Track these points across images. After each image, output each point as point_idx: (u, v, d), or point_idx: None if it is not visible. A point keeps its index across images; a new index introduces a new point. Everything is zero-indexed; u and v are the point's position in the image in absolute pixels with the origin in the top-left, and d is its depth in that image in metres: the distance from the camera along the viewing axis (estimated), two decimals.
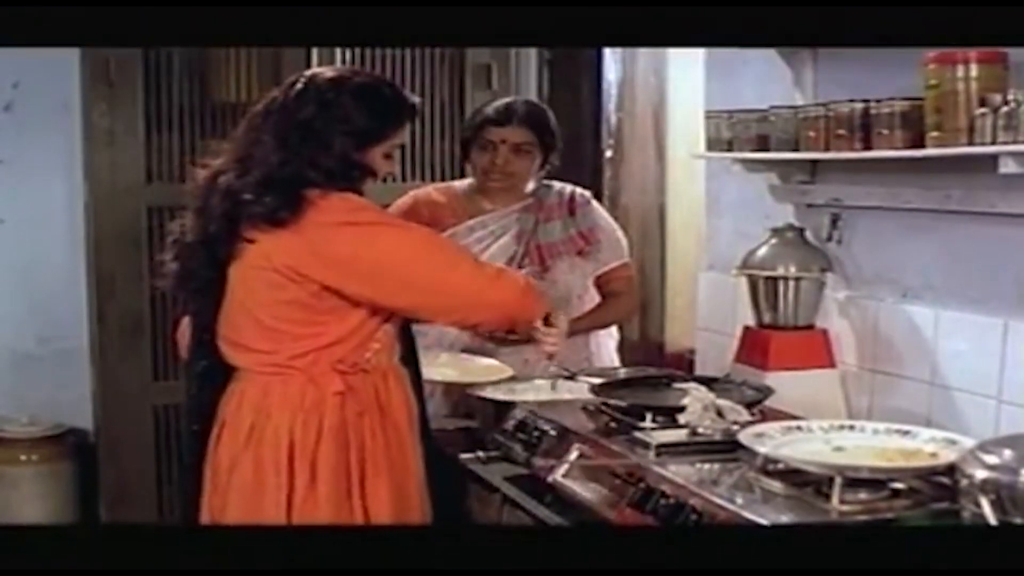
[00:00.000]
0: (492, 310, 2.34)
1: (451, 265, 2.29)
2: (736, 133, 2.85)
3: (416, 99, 2.44)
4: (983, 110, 2.18)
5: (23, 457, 4.08)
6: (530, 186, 3.16)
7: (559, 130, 3.16)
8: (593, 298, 3.17)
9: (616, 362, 3.22)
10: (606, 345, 3.23)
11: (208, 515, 2.35)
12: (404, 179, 2.45)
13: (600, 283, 3.18)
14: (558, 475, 2.32)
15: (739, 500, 1.94)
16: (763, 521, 1.84)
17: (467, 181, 3.23)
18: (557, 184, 3.19)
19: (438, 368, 2.81)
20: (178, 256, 2.34)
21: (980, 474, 1.69)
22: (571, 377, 2.80)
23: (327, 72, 2.37)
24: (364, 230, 2.23)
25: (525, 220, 3.11)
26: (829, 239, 2.83)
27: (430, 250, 2.30)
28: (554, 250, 3.10)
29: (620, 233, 3.24)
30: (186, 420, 2.46)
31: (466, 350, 3.02)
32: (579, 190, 3.21)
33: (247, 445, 2.28)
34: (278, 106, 2.31)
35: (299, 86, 2.31)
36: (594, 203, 3.23)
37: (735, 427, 2.23)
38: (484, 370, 2.85)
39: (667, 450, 2.21)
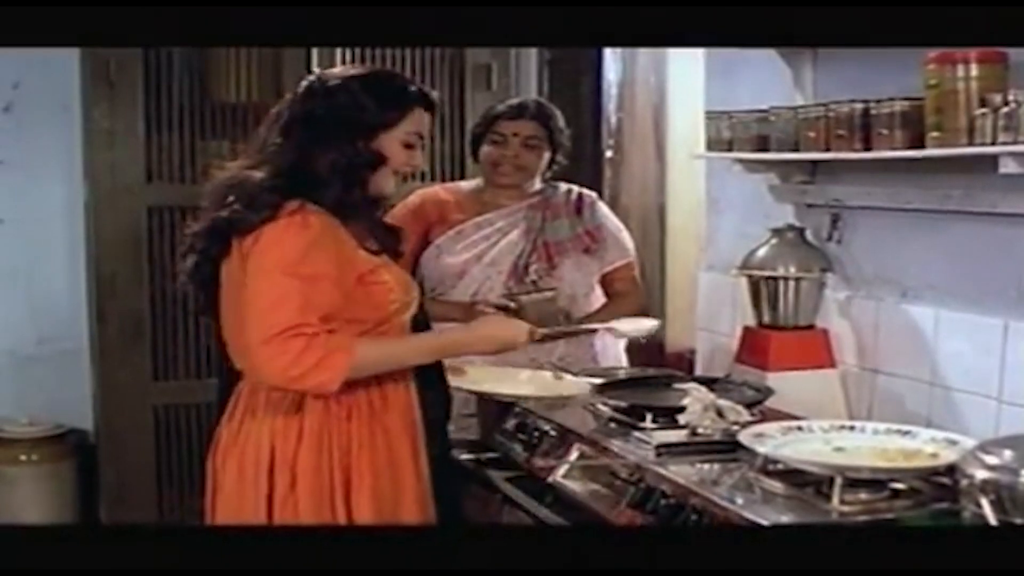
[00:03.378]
0: (260, 365, 2.13)
1: (265, 304, 2.10)
2: (736, 133, 2.85)
3: (431, 92, 2.37)
4: (983, 110, 2.18)
5: (23, 457, 4.08)
6: (537, 184, 3.18)
7: (567, 131, 3.19)
8: (599, 297, 3.18)
9: (624, 362, 3.22)
10: (613, 345, 3.23)
11: (208, 513, 2.35)
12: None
13: (605, 282, 3.19)
14: (558, 475, 2.32)
15: (739, 500, 1.94)
16: (763, 521, 1.84)
17: (474, 181, 3.26)
18: (563, 184, 3.22)
19: (520, 383, 2.71)
20: (185, 255, 2.34)
21: (980, 474, 1.69)
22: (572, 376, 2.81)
23: (334, 70, 2.35)
24: (271, 251, 2.14)
25: (532, 218, 3.13)
26: (829, 239, 2.83)
27: (274, 282, 2.11)
28: (561, 248, 3.11)
29: (625, 232, 3.25)
30: (215, 418, 2.45)
31: None
32: (584, 190, 3.24)
33: (235, 443, 2.27)
34: (286, 106, 2.30)
35: (305, 85, 2.30)
36: (600, 203, 3.26)
37: (735, 427, 2.23)
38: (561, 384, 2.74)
39: (667, 450, 2.21)
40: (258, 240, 2.15)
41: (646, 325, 2.71)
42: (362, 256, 2.25)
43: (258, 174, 2.21)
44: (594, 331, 3.01)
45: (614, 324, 2.71)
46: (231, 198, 2.19)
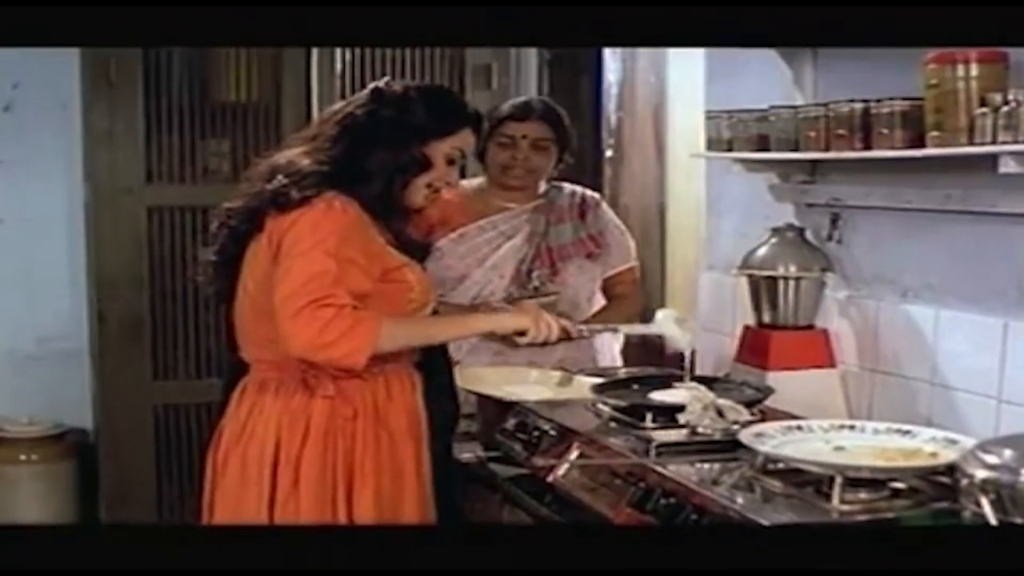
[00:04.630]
0: (287, 338, 2.15)
1: (297, 279, 2.14)
2: (736, 133, 2.84)
3: (482, 115, 2.50)
4: (983, 110, 2.18)
5: (23, 457, 4.08)
6: (541, 187, 3.16)
7: (573, 129, 3.18)
8: (601, 300, 3.18)
9: (619, 363, 3.22)
10: (610, 346, 3.23)
11: (205, 510, 2.35)
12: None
13: (606, 285, 3.19)
14: (558, 475, 2.32)
15: (739, 500, 1.93)
16: (763, 521, 1.84)
17: (478, 180, 3.22)
18: (567, 186, 3.20)
19: (529, 387, 2.70)
20: (215, 233, 2.36)
21: (980, 474, 1.69)
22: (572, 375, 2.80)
23: (399, 82, 2.45)
24: (308, 234, 2.17)
25: (536, 221, 3.11)
26: (829, 239, 2.83)
27: (309, 260, 2.16)
28: (564, 253, 3.10)
29: (628, 236, 3.24)
30: (218, 414, 2.47)
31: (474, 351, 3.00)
32: (589, 192, 3.22)
33: (239, 440, 2.28)
34: (343, 105, 2.38)
35: (369, 89, 2.38)
36: (604, 205, 3.24)
37: (735, 427, 2.23)
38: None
39: (667, 450, 2.21)
40: (294, 223, 2.19)
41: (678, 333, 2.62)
42: (390, 252, 2.31)
43: (306, 160, 2.27)
44: (614, 330, 2.99)
45: (654, 329, 2.62)
46: (279, 176, 2.24)
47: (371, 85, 2.40)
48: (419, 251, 2.45)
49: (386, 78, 2.45)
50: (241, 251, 2.30)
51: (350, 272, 2.17)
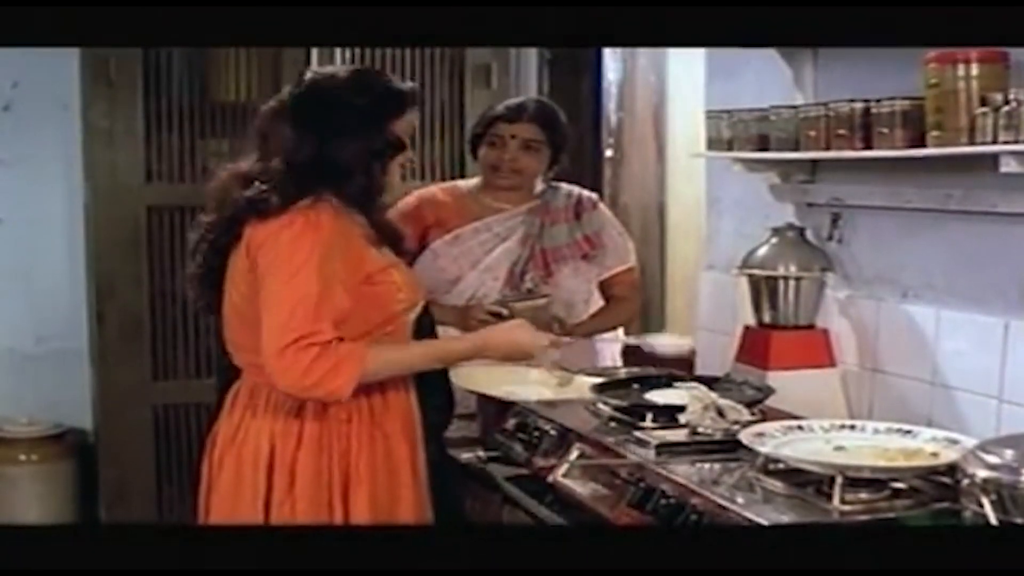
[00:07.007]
0: (272, 374, 2.13)
1: (281, 311, 2.12)
2: (736, 133, 2.84)
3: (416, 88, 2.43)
4: (984, 109, 2.18)
5: (23, 457, 4.08)
6: (538, 187, 3.15)
7: (569, 130, 3.16)
8: (598, 301, 3.17)
9: (620, 363, 3.22)
10: (610, 347, 3.22)
11: (201, 510, 2.35)
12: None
13: (603, 286, 3.18)
14: (558, 475, 2.32)
15: (740, 500, 1.94)
16: (764, 521, 1.84)
17: (473, 181, 3.21)
18: (564, 186, 3.18)
19: (529, 387, 2.66)
20: (195, 246, 2.34)
21: (981, 474, 1.69)
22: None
23: (328, 68, 2.41)
24: (285, 256, 2.15)
25: (531, 223, 3.10)
26: (830, 238, 2.83)
27: (291, 287, 2.13)
28: (558, 255, 3.09)
29: (626, 237, 3.22)
30: (213, 415, 2.46)
31: None
32: (586, 193, 3.20)
33: (233, 441, 2.27)
34: (286, 101, 2.29)
35: (308, 80, 2.31)
36: (601, 206, 3.22)
37: (736, 427, 2.23)
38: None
39: (667, 450, 2.21)
40: (271, 237, 2.16)
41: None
42: (372, 254, 2.27)
43: (278, 165, 2.21)
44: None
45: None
46: (256, 183, 2.19)
47: (306, 76, 2.32)
48: (399, 240, 2.42)
49: (312, 67, 2.41)
50: (223, 262, 2.27)
51: (331, 292, 2.14)
